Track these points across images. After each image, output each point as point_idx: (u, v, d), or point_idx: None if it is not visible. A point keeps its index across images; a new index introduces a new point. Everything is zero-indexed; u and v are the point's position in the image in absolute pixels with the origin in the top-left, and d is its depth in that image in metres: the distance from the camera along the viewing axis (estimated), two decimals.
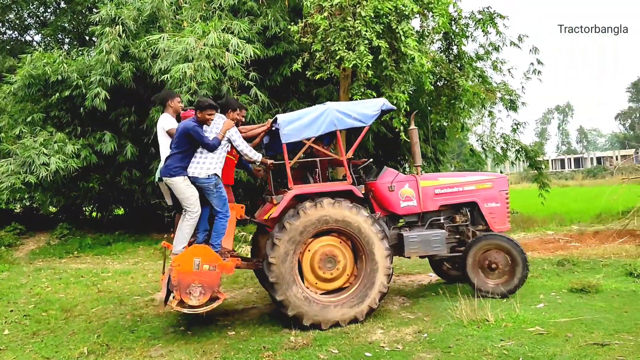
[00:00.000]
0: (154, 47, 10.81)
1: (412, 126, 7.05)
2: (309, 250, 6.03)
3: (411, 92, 11.49)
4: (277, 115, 6.24)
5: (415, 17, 10.67)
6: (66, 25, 19.01)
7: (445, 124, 14.03)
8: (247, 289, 8.36)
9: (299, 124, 6.08)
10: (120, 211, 17.98)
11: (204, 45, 9.75)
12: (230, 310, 6.97)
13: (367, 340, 5.32)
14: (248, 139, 6.36)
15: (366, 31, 9.33)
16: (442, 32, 11.77)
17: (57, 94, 12.10)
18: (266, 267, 5.78)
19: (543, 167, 14.79)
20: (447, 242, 6.82)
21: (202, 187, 5.70)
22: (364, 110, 6.33)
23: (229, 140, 5.91)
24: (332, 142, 7.33)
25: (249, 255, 7.86)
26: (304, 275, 6.01)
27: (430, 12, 10.66)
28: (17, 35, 21.23)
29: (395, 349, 5.01)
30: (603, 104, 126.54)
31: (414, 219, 6.91)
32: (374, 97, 9.77)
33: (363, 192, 6.32)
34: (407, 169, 15.03)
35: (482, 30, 12.36)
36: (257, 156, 6.08)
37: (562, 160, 70.72)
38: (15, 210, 17.17)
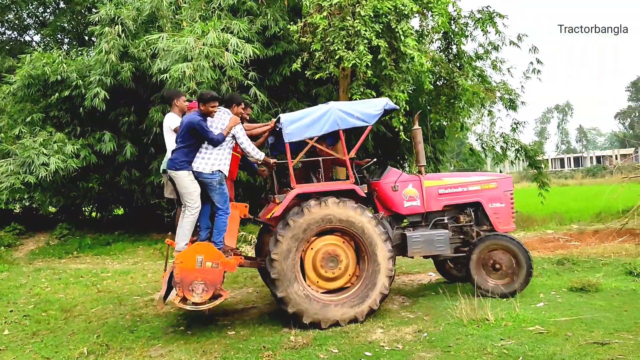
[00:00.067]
0: (153, 47, 10.80)
1: (416, 126, 7.05)
2: (311, 249, 6.04)
3: (411, 92, 11.48)
4: (280, 115, 6.25)
5: (415, 17, 10.66)
6: (65, 25, 18.99)
7: (444, 123, 14.00)
8: (247, 288, 8.36)
9: (302, 123, 6.10)
10: (120, 211, 17.98)
11: (203, 45, 9.74)
12: (230, 309, 6.97)
13: (367, 340, 5.32)
14: (252, 138, 6.37)
15: (365, 31, 9.33)
16: (442, 32, 11.74)
17: (57, 94, 12.09)
18: (268, 263, 5.80)
19: (543, 166, 14.77)
20: (451, 242, 6.81)
21: (205, 183, 5.73)
22: (366, 109, 6.34)
23: (234, 137, 5.93)
24: (336, 142, 7.33)
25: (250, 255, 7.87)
26: (306, 273, 6.03)
27: (430, 12, 10.65)
28: (16, 35, 21.22)
29: (395, 349, 5.01)
30: (603, 104, 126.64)
31: (418, 219, 6.91)
32: (373, 96, 9.77)
33: (366, 191, 6.33)
34: (407, 169, 15.03)
35: (482, 30, 12.34)
36: (259, 155, 6.10)
37: (562, 160, 70.73)
38: (15, 211, 17.17)
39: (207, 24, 10.36)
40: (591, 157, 66.46)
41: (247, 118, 6.77)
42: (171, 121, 6.14)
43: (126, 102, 12.83)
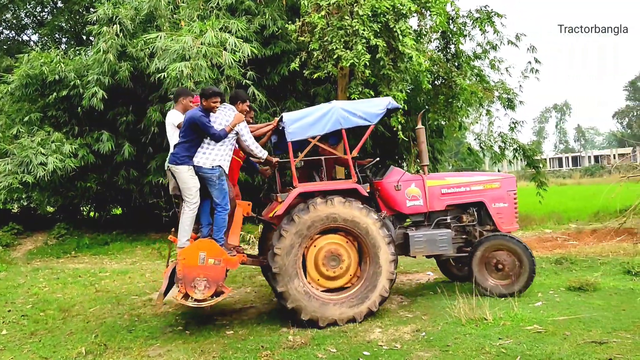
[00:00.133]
0: (151, 46, 10.79)
1: (420, 125, 7.05)
2: (314, 246, 6.05)
3: (409, 91, 11.49)
4: (283, 114, 6.26)
5: (413, 16, 10.67)
6: (63, 24, 18.98)
7: (442, 122, 14.01)
8: (245, 288, 8.35)
9: (305, 122, 6.10)
10: (118, 211, 17.95)
11: (201, 44, 9.74)
12: (228, 309, 6.96)
13: (366, 339, 5.32)
14: (255, 138, 6.37)
15: (364, 30, 9.33)
16: (440, 31, 11.75)
17: (55, 94, 12.07)
18: (271, 257, 5.82)
19: (541, 165, 14.77)
20: (454, 242, 6.80)
21: (205, 178, 5.74)
22: (369, 109, 6.34)
23: (237, 134, 5.94)
24: (339, 141, 7.33)
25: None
26: (307, 271, 6.03)
27: (428, 11, 10.66)
28: (14, 34, 21.22)
29: (394, 348, 5.01)
30: (603, 104, 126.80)
31: (421, 219, 6.90)
32: (371, 96, 9.78)
33: (368, 190, 6.33)
34: (406, 169, 15.02)
35: (480, 29, 12.35)
36: (262, 153, 6.12)
37: (560, 159, 70.79)
38: (13, 210, 17.13)
39: (205, 23, 10.36)
40: (589, 157, 66.54)
41: (251, 121, 6.78)
42: (174, 118, 6.18)
43: (124, 101, 12.81)
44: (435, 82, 12.58)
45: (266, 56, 11.77)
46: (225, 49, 9.95)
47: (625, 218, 11.85)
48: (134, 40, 11.69)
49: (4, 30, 20.90)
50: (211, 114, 5.83)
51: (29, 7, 19.97)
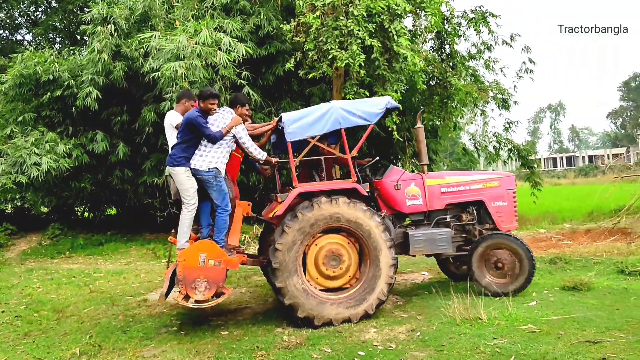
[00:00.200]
0: (145, 46, 10.75)
1: (419, 124, 7.06)
2: (316, 245, 6.06)
3: (404, 91, 11.48)
4: (282, 114, 6.27)
5: (408, 16, 10.67)
6: (57, 24, 18.90)
7: (437, 123, 14.04)
8: (240, 288, 8.34)
9: (304, 122, 6.10)
10: (113, 211, 17.88)
11: (196, 43, 9.70)
12: (223, 310, 6.95)
13: (361, 339, 5.32)
14: (254, 138, 6.37)
15: (359, 30, 9.33)
16: (435, 31, 11.76)
17: (49, 94, 11.99)
18: (272, 252, 5.83)
19: (535, 165, 14.80)
20: (453, 241, 6.81)
21: (203, 180, 5.75)
22: (368, 108, 6.35)
23: (235, 137, 5.92)
24: (338, 141, 7.33)
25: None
26: (307, 268, 6.04)
27: (423, 11, 10.67)
28: (7, 34, 21.10)
29: (389, 348, 5.01)
30: (603, 104, 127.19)
31: (420, 218, 6.91)
32: (366, 96, 9.78)
33: (368, 190, 6.33)
34: (401, 168, 15.02)
35: (475, 30, 12.38)
36: (261, 154, 6.11)
37: (554, 159, 71.09)
38: (7, 211, 17.04)
39: (199, 23, 10.32)
40: (583, 157, 66.88)
41: (249, 120, 6.76)
42: (172, 118, 6.18)
43: (119, 101, 12.75)
44: (430, 82, 12.59)
45: (261, 56, 11.75)
46: (220, 49, 9.92)
47: (619, 218, 11.91)
48: (129, 40, 11.63)
49: None
50: (209, 116, 5.83)
51: (22, 6, 19.85)
